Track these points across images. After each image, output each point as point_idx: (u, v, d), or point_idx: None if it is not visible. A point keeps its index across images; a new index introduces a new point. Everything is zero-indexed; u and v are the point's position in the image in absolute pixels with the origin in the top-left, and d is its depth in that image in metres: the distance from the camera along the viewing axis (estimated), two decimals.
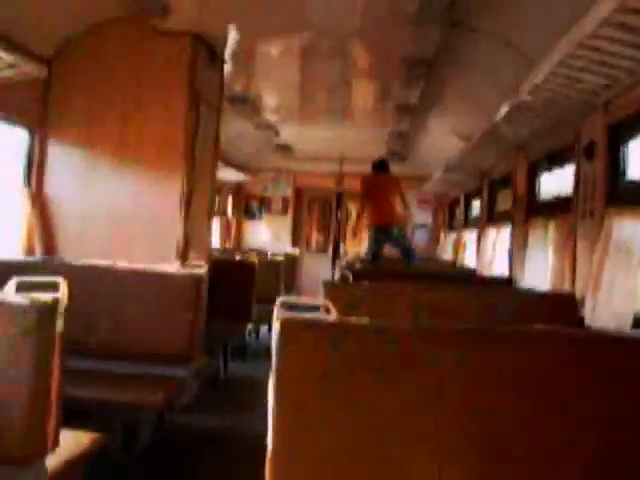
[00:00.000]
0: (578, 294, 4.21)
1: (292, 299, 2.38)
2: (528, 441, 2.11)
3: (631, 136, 3.95)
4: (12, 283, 2.39)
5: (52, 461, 2.40)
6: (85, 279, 3.86)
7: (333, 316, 2.21)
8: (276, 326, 2.13)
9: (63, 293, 2.34)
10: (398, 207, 8.67)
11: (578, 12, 3.15)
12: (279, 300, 2.25)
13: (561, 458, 2.12)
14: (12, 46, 4.22)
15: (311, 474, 2.09)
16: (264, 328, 8.80)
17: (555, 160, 5.40)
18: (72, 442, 2.57)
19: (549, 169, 5.67)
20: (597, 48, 3.27)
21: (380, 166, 9.17)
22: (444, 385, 2.11)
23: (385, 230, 8.41)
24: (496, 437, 2.12)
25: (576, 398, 2.15)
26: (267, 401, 2.10)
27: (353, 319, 2.21)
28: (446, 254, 11.36)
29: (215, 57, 5.66)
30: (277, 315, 2.16)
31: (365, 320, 2.21)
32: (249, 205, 13.17)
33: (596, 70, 3.56)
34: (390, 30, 5.17)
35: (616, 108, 3.91)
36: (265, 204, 13.13)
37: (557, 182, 5.53)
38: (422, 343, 2.16)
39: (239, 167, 11.49)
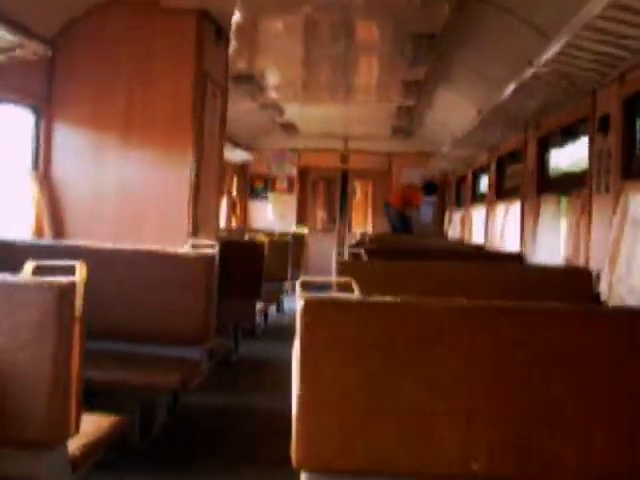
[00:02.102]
0: (593, 269, 4.17)
1: (312, 279, 2.35)
2: (554, 412, 2.11)
3: None
4: (28, 267, 2.36)
5: (73, 445, 2.39)
6: (97, 261, 3.81)
7: (357, 295, 2.19)
8: (300, 305, 2.10)
9: (81, 276, 2.31)
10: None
11: None
12: (300, 279, 2.22)
13: (586, 431, 2.11)
14: (16, 26, 4.16)
15: (337, 448, 2.09)
16: (272, 308, 8.81)
17: (567, 134, 5.35)
18: (93, 425, 2.56)
19: (561, 144, 5.61)
20: (614, 19, 3.20)
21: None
22: (472, 361, 2.10)
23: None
24: (523, 410, 2.11)
25: (603, 373, 2.14)
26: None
27: (376, 297, 2.19)
28: (453, 231, 11.32)
29: (221, 35, 5.58)
30: (300, 295, 2.14)
31: (388, 298, 2.19)
32: (254, 185, 13.12)
33: (612, 41, 3.50)
34: (398, 4, 5.08)
35: (632, 80, 3.85)
36: (270, 183, 13.07)
37: (570, 156, 5.48)
38: (450, 320, 2.14)
39: (244, 146, 11.43)
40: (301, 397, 2.09)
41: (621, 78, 3.95)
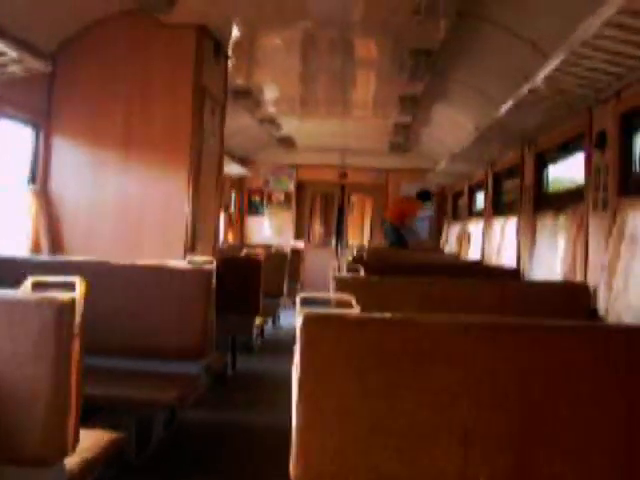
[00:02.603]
0: (590, 285, 4.18)
1: (312, 294, 2.35)
2: (552, 429, 2.11)
3: None
4: (28, 282, 2.36)
5: (71, 461, 2.37)
6: (95, 277, 3.80)
7: (356, 311, 2.19)
8: (299, 321, 2.11)
9: (80, 292, 2.31)
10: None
11: (588, 0, 3.12)
12: (300, 296, 2.22)
13: (585, 449, 2.11)
14: (16, 42, 4.17)
15: (336, 465, 2.09)
16: (269, 322, 8.80)
17: (564, 151, 5.37)
18: (91, 442, 2.55)
19: (558, 160, 5.63)
20: (611, 37, 3.23)
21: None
22: (471, 378, 2.10)
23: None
24: (523, 429, 2.11)
25: (603, 391, 2.14)
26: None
27: (375, 314, 2.19)
28: (449, 246, 11.33)
29: (219, 51, 5.61)
30: (299, 310, 2.14)
31: (388, 314, 2.19)
32: (252, 199, 13.12)
33: (608, 59, 3.52)
34: (396, 21, 5.12)
35: (629, 96, 3.88)
36: (267, 198, 13.08)
37: (567, 173, 5.50)
38: (449, 336, 2.14)
39: (241, 161, 11.45)
40: (300, 413, 2.09)
41: (617, 95, 3.98)
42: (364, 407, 2.10)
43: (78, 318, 2.29)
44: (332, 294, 3.15)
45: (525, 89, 4.40)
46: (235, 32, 5.50)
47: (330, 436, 2.09)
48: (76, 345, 2.28)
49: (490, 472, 2.10)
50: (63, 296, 2.27)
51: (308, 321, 2.11)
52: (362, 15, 5.12)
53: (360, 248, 9.36)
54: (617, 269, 3.79)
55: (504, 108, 5.10)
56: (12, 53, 4.16)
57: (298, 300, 2.20)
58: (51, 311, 2.22)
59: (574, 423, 2.11)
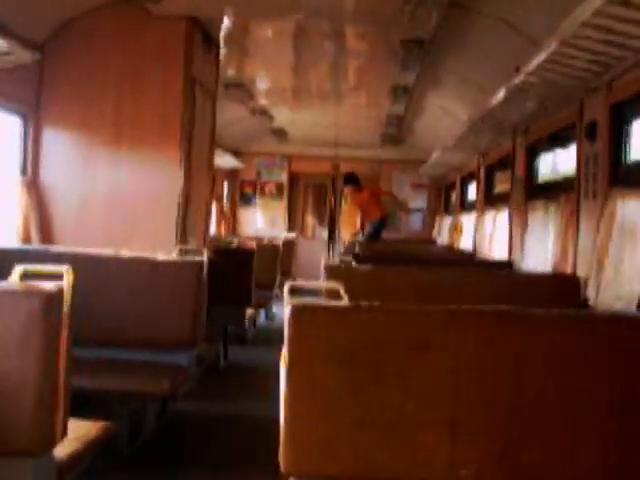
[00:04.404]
0: (581, 276, 4.19)
1: (300, 283, 2.35)
2: (542, 419, 2.12)
3: (634, 116, 3.92)
4: (16, 272, 2.35)
5: (60, 452, 2.37)
6: (86, 267, 3.79)
7: (344, 301, 2.19)
8: (287, 312, 2.10)
9: (68, 282, 2.30)
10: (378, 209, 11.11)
11: None
12: (287, 285, 2.22)
13: (575, 438, 2.12)
14: (4, 32, 4.15)
15: (325, 454, 2.09)
16: (261, 313, 8.81)
17: (555, 141, 5.37)
18: (80, 432, 2.55)
19: (549, 150, 5.64)
20: (601, 26, 3.23)
21: (351, 181, 11.08)
22: (460, 367, 2.11)
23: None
24: (511, 418, 2.12)
25: (590, 379, 2.14)
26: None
27: (364, 303, 2.19)
28: (442, 238, 11.35)
29: (210, 42, 5.59)
30: (287, 300, 2.14)
31: (376, 304, 2.20)
32: (244, 191, 13.10)
33: (600, 49, 3.52)
34: (387, 11, 5.10)
35: (619, 87, 3.88)
36: (260, 189, 13.06)
37: (559, 163, 5.51)
38: (437, 325, 2.15)
39: (234, 152, 11.42)
40: (288, 403, 2.09)
41: (608, 85, 3.98)
42: (352, 397, 2.11)
43: (66, 308, 2.28)
44: (322, 283, 3.15)
45: (516, 79, 4.40)
46: (226, 23, 5.47)
47: (318, 427, 2.09)
48: (64, 335, 2.27)
49: (478, 461, 2.11)
50: (51, 286, 2.26)
51: (296, 311, 2.11)
52: (353, 5, 5.11)
53: (352, 239, 9.36)
54: (607, 259, 3.81)
55: (495, 99, 5.11)
56: (0, 44, 4.14)
57: (286, 289, 2.19)
58: (38, 301, 2.21)
59: (562, 412, 2.12)
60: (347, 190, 11.35)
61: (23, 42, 4.45)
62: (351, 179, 11.07)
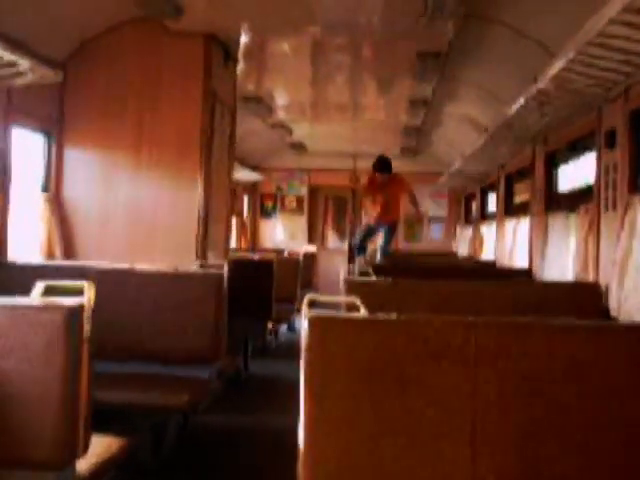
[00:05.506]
0: (602, 285, 4.16)
1: (319, 297, 2.35)
2: (563, 430, 2.09)
3: None
4: (38, 287, 2.38)
5: (82, 465, 2.39)
6: (107, 282, 3.85)
7: (362, 313, 2.19)
8: (305, 324, 2.11)
9: (89, 297, 2.33)
10: (396, 208, 8.97)
11: None
12: (306, 298, 2.22)
13: (596, 449, 2.09)
14: (27, 51, 4.22)
15: (344, 468, 2.09)
16: (283, 327, 8.82)
17: (575, 150, 5.34)
18: (101, 447, 2.57)
19: (568, 159, 5.61)
20: (618, 35, 3.22)
21: (381, 167, 8.76)
22: (479, 378, 2.10)
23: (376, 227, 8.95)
24: (531, 429, 2.10)
25: (613, 391, 2.12)
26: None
27: (381, 315, 2.19)
28: (463, 248, 11.30)
29: (229, 57, 5.65)
30: (305, 313, 2.14)
31: (394, 316, 2.19)
32: (264, 204, 13.16)
33: (617, 57, 3.51)
34: (403, 23, 5.12)
35: (637, 94, 3.86)
36: (280, 203, 13.12)
37: (578, 172, 5.47)
38: (455, 336, 2.14)
39: (254, 166, 11.48)
40: (307, 416, 2.09)
41: (626, 92, 3.96)
42: (371, 408, 2.10)
43: (87, 323, 2.31)
44: (342, 297, 3.16)
45: (534, 89, 4.39)
46: (244, 39, 5.53)
47: (337, 438, 2.09)
48: (85, 350, 2.30)
49: (499, 472, 2.09)
50: (71, 301, 2.29)
51: (314, 323, 2.11)
52: (369, 19, 5.13)
53: (373, 251, 9.33)
54: (628, 268, 3.77)
55: (513, 108, 5.09)
56: (24, 63, 4.21)
57: (305, 302, 2.20)
58: (60, 316, 2.24)
59: (584, 423, 2.10)
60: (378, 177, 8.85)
61: (46, 61, 4.52)
62: (384, 165, 8.73)
